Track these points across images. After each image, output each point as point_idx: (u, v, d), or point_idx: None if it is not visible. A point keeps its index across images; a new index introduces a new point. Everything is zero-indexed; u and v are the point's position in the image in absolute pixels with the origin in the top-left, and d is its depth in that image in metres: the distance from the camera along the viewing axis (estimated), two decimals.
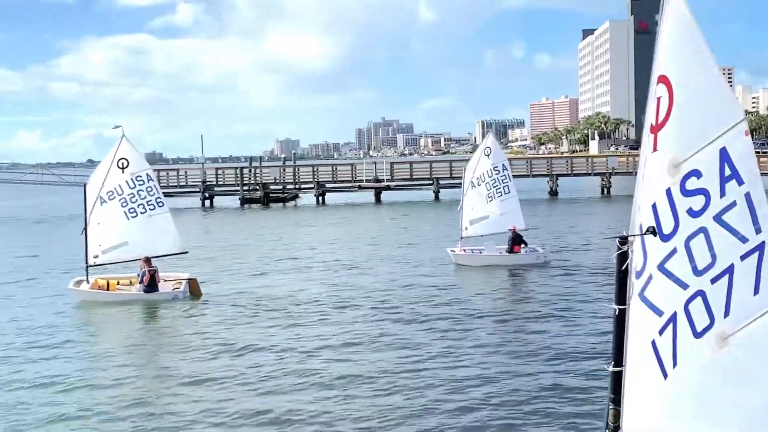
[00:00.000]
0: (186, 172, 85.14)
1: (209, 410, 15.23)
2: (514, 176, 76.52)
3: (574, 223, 52.66)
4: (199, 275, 29.00)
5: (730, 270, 5.10)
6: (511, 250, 32.84)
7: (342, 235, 49.61)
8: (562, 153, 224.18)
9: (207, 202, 79.56)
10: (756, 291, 5.09)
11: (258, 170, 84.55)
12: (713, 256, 5.12)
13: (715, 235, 5.10)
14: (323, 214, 68.14)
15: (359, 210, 70.21)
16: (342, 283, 29.77)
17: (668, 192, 5.22)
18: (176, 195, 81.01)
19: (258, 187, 79.62)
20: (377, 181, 79.35)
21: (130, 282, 27.49)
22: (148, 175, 28.34)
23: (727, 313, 5.13)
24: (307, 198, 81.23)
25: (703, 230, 5.12)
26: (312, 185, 79.37)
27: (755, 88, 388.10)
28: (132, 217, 27.77)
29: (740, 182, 5.06)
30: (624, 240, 5.54)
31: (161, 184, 79.30)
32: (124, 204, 27.76)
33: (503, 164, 34.95)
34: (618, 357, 5.66)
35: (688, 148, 5.14)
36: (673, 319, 5.25)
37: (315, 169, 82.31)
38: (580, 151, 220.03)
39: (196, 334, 22.13)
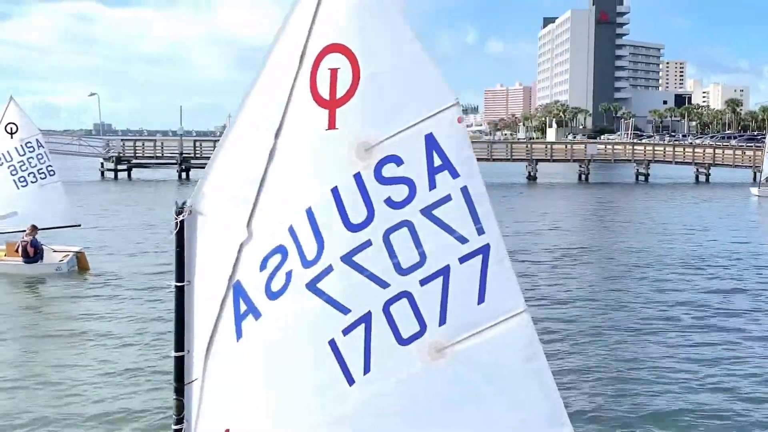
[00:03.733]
0: (162, 144, 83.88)
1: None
2: (486, 159, 77.81)
3: (544, 208, 53.21)
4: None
5: (444, 272, 4.50)
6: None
7: None
8: (518, 139, 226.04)
9: (183, 174, 78.53)
10: (481, 299, 4.49)
11: None
12: (422, 255, 4.50)
13: (424, 231, 4.49)
14: None
15: None
16: None
17: (358, 177, 4.55)
18: (153, 166, 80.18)
19: None
20: None
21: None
22: (38, 141, 26.65)
23: (442, 321, 4.51)
24: None
25: (407, 224, 4.51)
26: None
27: (706, 83, 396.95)
28: (22, 186, 26.10)
29: (454, 174, 4.47)
30: (181, 209, 4.95)
31: (137, 155, 79.72)
32: (14, 172, 26.14)
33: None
34: (179, 340, 5.06)
35: (382, 131, 4.52)
36: (365, 319, 4.57)
37: None
38: (537, 138, 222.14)
39: (58, 309, 20.87)
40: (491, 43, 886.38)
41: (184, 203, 5.02)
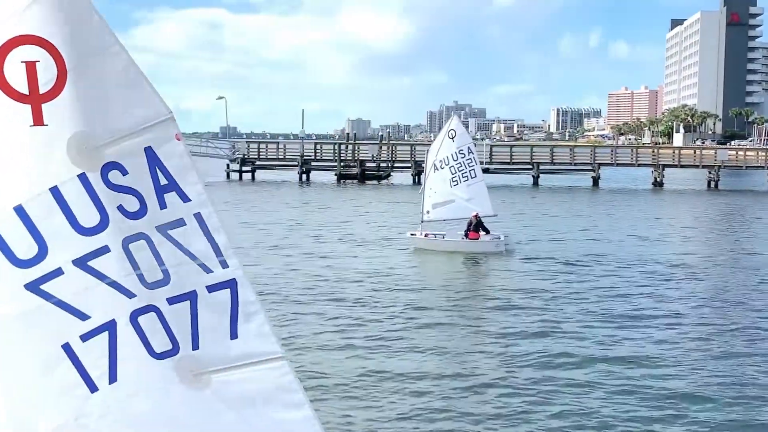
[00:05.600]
0: (285, 146, 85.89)
1: None
2: (615, 164, 75.92)
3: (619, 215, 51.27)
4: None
5: (192, 297, 4.31)
6: (466, 236, 31.77)
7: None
8: (643, 144, 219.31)
9: (304, 176, 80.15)
10: (233, 335, 4.34)
11: (356, 147, 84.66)
12: (165, 273, 4.29)
13: (164, 249, 4.26)
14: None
15: None
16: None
17: (83, 178, 4.23)
18: (276, 168, 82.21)
19: (355, 164, 79.77)
20: None
21: None
22: None
23: (196, 346, 4.36)
24: (403, 177, 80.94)
25: (144, 237, 4.25)
26: (409, 164, 79.00)
27: None
28: None
29: (184, 198, 4.25)
30: None
31: (260, 157, 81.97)
32: None
33: (469, 147, 33.60)
34: None
35: (99, 135, 4.21)
36: (109, 327, 4.36)
37: (413, 149, 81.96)
38: (663, 143, 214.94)
39: None
40: (616, 45, 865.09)
41: None
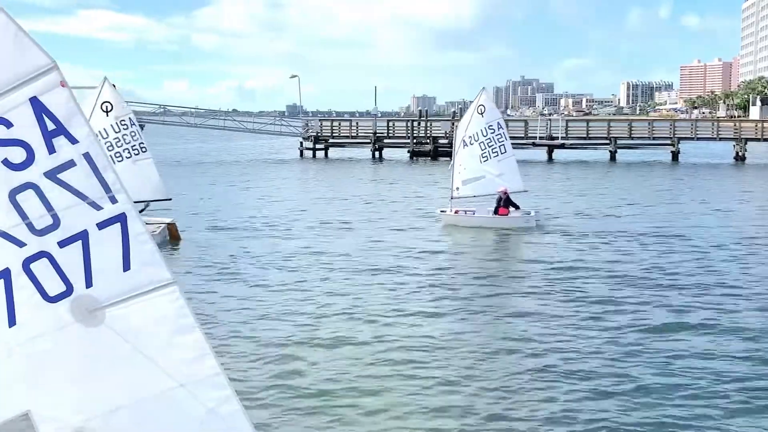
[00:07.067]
0: (357, 124, 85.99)
1: None
2: (696, 138, 74.08)
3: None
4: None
5: (83, 236, 4.57)
6: (496, 212, 31.44)
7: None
8: (720, 118, 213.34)
9: (377, 154, 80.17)
10: (126, 266, 4.61)
11: (428, 124, 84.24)
12: (55, 218, 4.54)
13: (53, 194, 4.52)
14: None
15: (528, 168, 68.55)
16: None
17: None
18: (348, 145, 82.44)
19: (428, 141, 79.43)
20: (551, 138, 77.52)
21: None
22: (130, 119, 28.31)
23: (89, 284, 4.61)
24: None
25: (32, 186, 4.50)
26: None
27: None
28: (118, 161, 27.52)
29: (72, 140, 4.51)
30: None
31: (333, 135, 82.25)
32: (110, 148, 27.50)
33: (498, 123, 32.99)
34: None
35: None
36: (4, 275, 4.61)
37: None
38: (739, 116, 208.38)
39: None
40: (687, 17, 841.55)
41: None
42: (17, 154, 4.54)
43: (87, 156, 4.60)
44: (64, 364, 4.75)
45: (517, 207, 31.51)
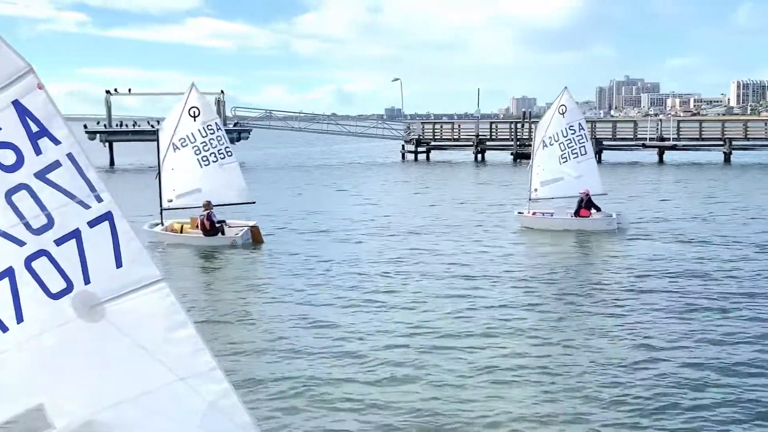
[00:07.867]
0: (459, 126, 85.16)
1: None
2: None
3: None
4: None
5: (76, 235, 4.75)
6: (577, 214, 30.41)
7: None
8: None
9: (479, 156, 79.04)
10: (118, 264, 4.80)
11: (532, 126, 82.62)
12: (49, 217, 4.72)
13: (45, 194, 4.70)
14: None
15: (637, 171, 66.08)
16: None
17: None
18: (450, 148, 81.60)
19: (531, 143, 77.80)
20: (661, 139, 74.70)
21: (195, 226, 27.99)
22: (216, 124, 29.12)
23: (87, 281, 4.79)
24: None
25: (25, 187, 4.67)
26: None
27: None
28: (205, 165, 28.54)
29: (55, 141, 4.68)
30: None
31: (435, 137, 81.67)
32: (197, 152, 28.50)
33: (579, 123, 32.15)
34: None
35: None
36: (8, 274, 4.77)
37: (593, 126, 78.93)
38: None
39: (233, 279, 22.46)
40: None
41: None
42: (8, 156, 4.70)
43: (70, 156, 4.75)
44: (71, 358, 4.93)
45: (598, 209, 30.78)
